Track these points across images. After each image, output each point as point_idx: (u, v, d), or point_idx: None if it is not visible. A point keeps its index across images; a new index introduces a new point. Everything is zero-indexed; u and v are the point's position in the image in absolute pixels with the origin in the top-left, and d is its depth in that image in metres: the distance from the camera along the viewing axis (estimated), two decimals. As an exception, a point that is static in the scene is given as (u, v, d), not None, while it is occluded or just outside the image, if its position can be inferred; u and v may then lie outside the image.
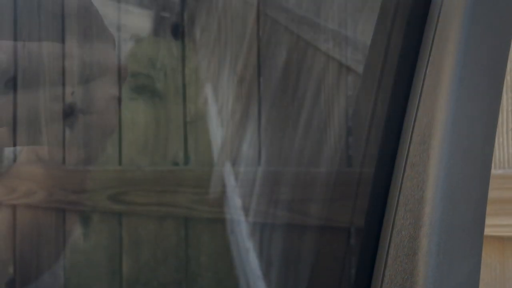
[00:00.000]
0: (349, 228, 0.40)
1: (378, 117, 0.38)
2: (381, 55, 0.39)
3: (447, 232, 0.34)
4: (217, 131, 0.42)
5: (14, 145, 0.36)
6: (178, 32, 1.20)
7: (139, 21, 1.20)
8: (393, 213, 0.36)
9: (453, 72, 0.34)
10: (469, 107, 0.34)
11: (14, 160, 0.39)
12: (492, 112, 0.35)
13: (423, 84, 0.36)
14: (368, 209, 0.38)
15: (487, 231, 0.80)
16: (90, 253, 0.42)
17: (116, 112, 0.38)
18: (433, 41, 0.35)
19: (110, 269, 0.42)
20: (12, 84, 0.34)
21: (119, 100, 0.37)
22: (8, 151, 0.39)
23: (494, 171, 0.84)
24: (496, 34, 0.36)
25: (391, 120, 0.36)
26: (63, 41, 0.35)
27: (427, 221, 0.34)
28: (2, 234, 0.40)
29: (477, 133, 0.34)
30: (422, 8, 0.36)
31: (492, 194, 0.81)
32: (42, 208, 0.41)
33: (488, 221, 0.81)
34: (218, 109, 0.42)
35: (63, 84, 0.36)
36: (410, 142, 0.35)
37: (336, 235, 0.41)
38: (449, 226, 0.34)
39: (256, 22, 1.05)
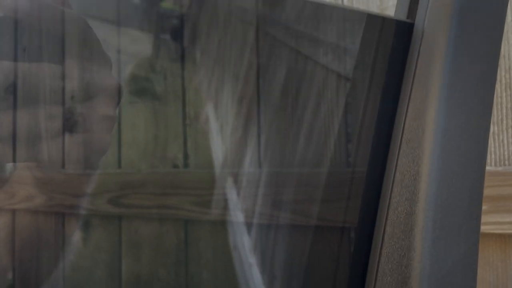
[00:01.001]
0: (346, 207, 0.40)
1: (373, 92, 0.38)
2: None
3: (443, 208, 0.34)
4: (217, 136, 0.42)
5: (14, 151, 0.37)
6: (177, 37, 1.21)
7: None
8: (389, 190, 0.36)
9: (445, 51, 0.34)
10: (463, 82, 0.34)
11: (15, 165, 0.39)
12: (488, 86, 0.35)
13: (417, 63, 0.36)
14: (365, 188, 0.38)
15: (489, 228, 0.79)
16: (90, 257, 0.42)
17: (111, 128, 0.37)
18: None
19: (110, 272, 0.42)
20: (12, 92, 0.34)
21: (118, 111, 0.38)
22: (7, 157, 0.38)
23: (494, 168, 0.83)
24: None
25: (386, 95, 0.36)
26: (62, 61, 0.36)
27: (422, 196, 0.34)
28: (2, 239, 0.40)
29: (473, 107, 0.34)
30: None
31: (493, 191, 0.81)
32: (42, 212, 0.41)
33: (490, 218, 0.81)
34: (217, 114, 0.42)
35: (63, 90, 0.36)
36: (405, 118, 0.35)
37: (334, 214, 0.41)
38: (445, 202, 0.34)
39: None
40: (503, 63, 0.86)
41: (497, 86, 0.85)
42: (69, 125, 0.37)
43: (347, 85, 0.39)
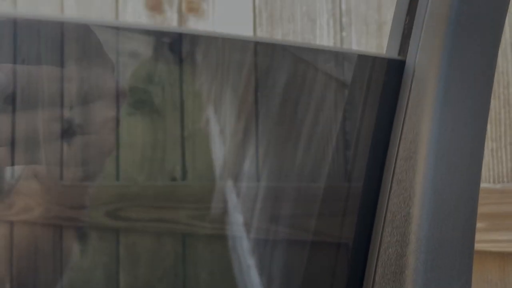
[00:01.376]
0: (338, 244, 0.40)
1: (364, 133, 0.38)
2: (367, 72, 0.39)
3: (434, 249, 0.33)
4: (217, 147, 0.42)
5: (13, 163, 0.37)
6: (176, 52, 1.21)
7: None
8: (380, 230, 0.36)
9: (437, 88, 0.34)
10: (454, 122, 0.34)
11: (15, 177, 0.40)
12: (479, 126, 0.34)
13: (408, 100, 0.35)
14: (356, 226, 0.38)
15: (487, 246, 0.79)
16: (88, 270, 0.42)
17: (113, 133, 0.38)
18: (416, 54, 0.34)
19: (107, 285, 0.42)
20: (11, 102, 0.34)
21: (117, 119, 0.38)
22: (7, 168, 0.39)
23: (493, 186, 0.83)
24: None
25: (377, 136, 0.36)
26: (62, 65, 0.36)
27: (413, 239, 0.34)
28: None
29: (464, 147, 0.34)
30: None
31: (491, 208, 0.80)
32: (40, 224, 0.41)
33: (488, 236, 0.80)
34: (217, 125, 0.42)
35: (62, 103, 0.36)
36: (396, 158, 0.35)
37: (326, 250, 0.41)
38: (436, 244, 0.33)
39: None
40: (501, 79, 0.86)
41: (496, 102, 0.84)
42: (71, 123, 0.37)
43: (338, 124, 0.39)
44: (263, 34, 1.07)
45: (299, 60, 0.39)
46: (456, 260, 0.35)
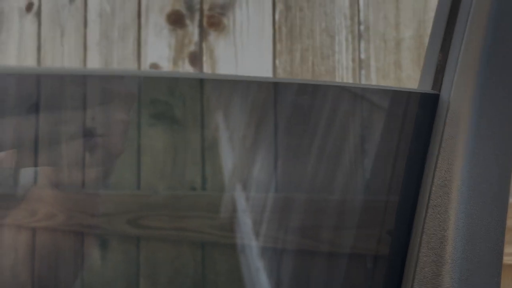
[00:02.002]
0: (374, 261, 0.42)
1: (401, 159, 0.40)
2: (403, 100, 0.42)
3: (468, 270, 0.36)
4: (236, 158, 0.43)
5: (34, 168, 0.39)
6: (196, 60, 1.22)
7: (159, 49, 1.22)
8: (416, 250, 0.39)
9: (470, 121, 0.37)
10: (485, 153, 0.37)
11: (34, 183, 0.41)
12: (508, 156, 0.37)
13: (443, 131, 0.38)
14: (392, 245, 0.41)
15: (506, 259, 0.81)
16: (108, 277, 0.43)
17: (125, 137, 0.40)
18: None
19: None
20: (34, 109, 0.37)
21: (137, 127, 0.40)
22: (27, 174, 0.41)
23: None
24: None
25: (413, 163, 0.39)
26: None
27: (449, 259, 0.37)
28: (21, 256, 0.42)
29: (494, 177, 0.37)
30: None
31: (509, 222, 0.83)
32: (61, 231, 0.42)
33: (507, 249, 0.83)
34: (232, 135, 0.43)
35: (84, 109, 0.39)
36: (432, 185, 0.38)
37: (362, 267, 0.43)
38: (470, 264, 0.37)
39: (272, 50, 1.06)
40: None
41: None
42: (93, 132, 0.39)
43: (376, 151, 0.42)
44: (283, 49, 1.10)
45: (336, 96, 0.41)
46: (487, 279, 0.38)
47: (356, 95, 0.41)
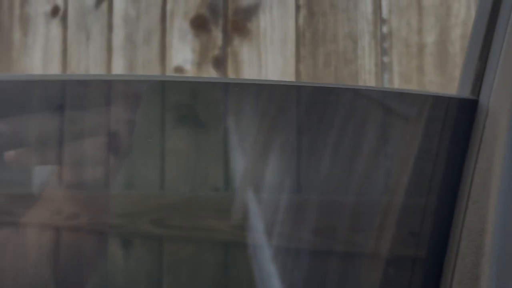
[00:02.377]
0: (414, 255, 0.45)
1: (440, 160, 0.43)
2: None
3: (506, 260, 0.39)
4: (254, 159, 0.43)
5: (56, 168, 0.41)
6: (220, 64, 1.25)
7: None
8: (456, 242, 0.42)
9: (509, 126, 0.39)
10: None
11: (58, 183, 0.42)
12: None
13: (482, 134, 0.41)
14: (432, 238, 0.44)
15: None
16: (131, 276, 0.43)
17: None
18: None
19: None
20: (60, 110, 0.40)
21: (161, 130, 0.42)
22: (51, 174, 0.42)
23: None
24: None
25: (452, 163, 0.42)
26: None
27: (487, 251, 0.40)
28: (46, 255, 0.42)
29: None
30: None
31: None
32: (85, 230, 0.43)
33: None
34: (255, 137, 0.43)
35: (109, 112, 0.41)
36: (471, 183, 0.41)
37: (398, 268, 0.45)
38: (508, 256, 0.39)
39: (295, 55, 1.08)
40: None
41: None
42: (117, 133, 0.41)
43: (415, 154, 0.44)
44: (306, 53, 1.12)
45: (373, 102, 0.43)
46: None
47: (394, 100, 0.44)
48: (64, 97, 0.41)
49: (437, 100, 0.43)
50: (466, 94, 0.43)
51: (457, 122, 0.42)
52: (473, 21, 0.44)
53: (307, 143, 0.42)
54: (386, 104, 0.43)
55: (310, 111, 0.42)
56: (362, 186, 0.43)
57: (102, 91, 0.41)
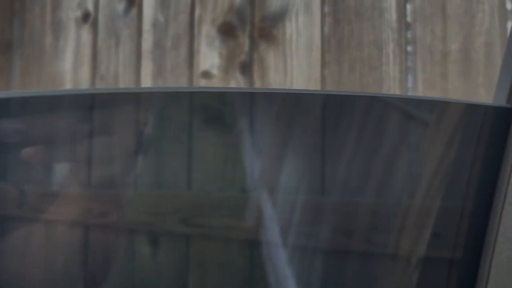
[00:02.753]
0: (451, 255, 0.48)
1: (476, 167, 0.47)
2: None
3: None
4: (285, 162, 0.44)
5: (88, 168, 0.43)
6: (247, 69, 1.28)
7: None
8: (493, 239, 0.45)
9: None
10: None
11: (89, 182, 0.43)
12: None
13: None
14: (469, 239, 0.47)
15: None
16: (160, 272, 0.44)
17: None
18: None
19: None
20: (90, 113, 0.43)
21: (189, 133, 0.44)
22: (82, 174, 0.44)
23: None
24: None
25: (488, 170, 0.46)
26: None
27: (523, 246, 0.43)
28: (76, 252, 0.44)
29: None
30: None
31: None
32: (115, 228, 0.44)
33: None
34: (282, 141, 0.44)
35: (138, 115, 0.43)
36: (508, 184, 0.45)
37: (441, 261, 0.48)
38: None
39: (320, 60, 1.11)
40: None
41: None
42: (145, 134, 0.42)
43: (450, 162, 0.47)
44: (331, 59, 1.15)
45: (412, 111, 0.46)
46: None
47: (429, 107, 0.47)
48: (93, 103, 0.43)
49: (475, 109, 0.46)
50: (502, 102, 0.47)
51: (494, 129, 0.46)
52: (509, 31, 0.47)
53: (353, 148, 0.44)
54: (424, 113, 0.46)
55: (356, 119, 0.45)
56: (403, 190, 0.45)
57: (132, 99, 0.44)
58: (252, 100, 0.45)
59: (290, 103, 0.45)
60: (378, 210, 0.46)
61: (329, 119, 0.45)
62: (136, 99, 0.43)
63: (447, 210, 0.47)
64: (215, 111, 0.44)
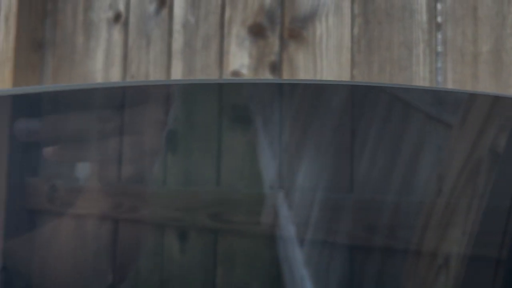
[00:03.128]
0: (498, 255, 0.48)
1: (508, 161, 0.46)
2: None
3: None
4: (311, 160, 0.44)
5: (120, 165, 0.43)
6: (276, 69, 1.28)
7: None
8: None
9: None
10: None
11: (118, 178, 0.44)
12: None
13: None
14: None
15: None
16: (188, 266, 0.45)
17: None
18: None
19: (205, 283, 0.44)
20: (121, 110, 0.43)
21: (218, 129, 0.44)
22: (112, 170, 0.44)
23: None
24: None
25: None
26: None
27: None
28: (105, 246, 0.45)
29: None
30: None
31: None
32: (144, 223, 0.45)
33: None
34: (309, 136, 0.44)
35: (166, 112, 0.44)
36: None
37: (487, 260, 0.48)
38: None
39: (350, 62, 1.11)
40: None
41: None
42: (174, 132, 0.43)
43: (484, 153, 0.47)
44: (361, 60, 1.15)
45: (445, 103, 0.46)
46: None
47: (458, 100, 0.46)
48: (124, 99, 0.44)
49: (503, 100, 0.46)
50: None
51: None
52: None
53: (383, 145, 0.45)
54: (457, 104, 0.45)
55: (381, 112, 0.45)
56: (444, 188, 0.46)
57: (161, 93, 0.44)
58: (280, 93, 0.45)
59: (321, 95, 0.45)
60: (415, 208, 0.46)
61: (358, 111, 0.44)
62: (166, 92, 0.44)
63: (493, 208, 0.46)
64: (244, 105, 0.44)
